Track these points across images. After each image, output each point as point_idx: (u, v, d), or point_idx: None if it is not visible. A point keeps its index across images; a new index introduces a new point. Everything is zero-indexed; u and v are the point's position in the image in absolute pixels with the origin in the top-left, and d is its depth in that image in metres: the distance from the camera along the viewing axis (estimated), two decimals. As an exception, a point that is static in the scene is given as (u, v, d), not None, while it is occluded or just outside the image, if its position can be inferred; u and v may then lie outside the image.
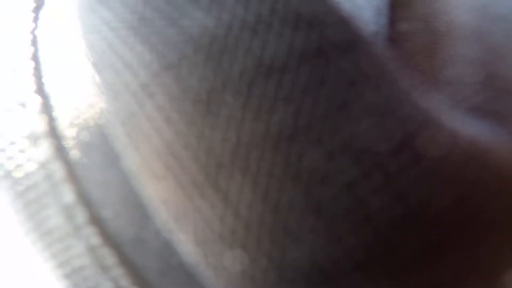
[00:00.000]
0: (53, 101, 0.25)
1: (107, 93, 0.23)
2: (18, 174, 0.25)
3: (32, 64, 0.25)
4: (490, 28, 0.26)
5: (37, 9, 0.26)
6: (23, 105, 0.25)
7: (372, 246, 0.21)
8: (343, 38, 0.22)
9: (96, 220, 0.24)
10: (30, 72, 0.25)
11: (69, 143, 0.24)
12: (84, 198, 0.24)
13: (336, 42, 0.22)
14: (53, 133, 0.25)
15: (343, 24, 0.23)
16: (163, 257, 0.24)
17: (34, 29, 0.25)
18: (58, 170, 0.24)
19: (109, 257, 0.24)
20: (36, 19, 0.26)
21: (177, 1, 0.23)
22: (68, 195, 0.24)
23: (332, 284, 0.22)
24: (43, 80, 0.25)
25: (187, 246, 0.23)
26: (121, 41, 0.23)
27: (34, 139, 0.25)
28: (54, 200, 0.24)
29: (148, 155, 0.22)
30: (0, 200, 0.25)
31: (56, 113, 0.25)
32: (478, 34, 0.25)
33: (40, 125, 0.25)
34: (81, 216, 0.24)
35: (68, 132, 0.25)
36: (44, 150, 0.25)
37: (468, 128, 0.23)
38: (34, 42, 0.25)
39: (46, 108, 0.25)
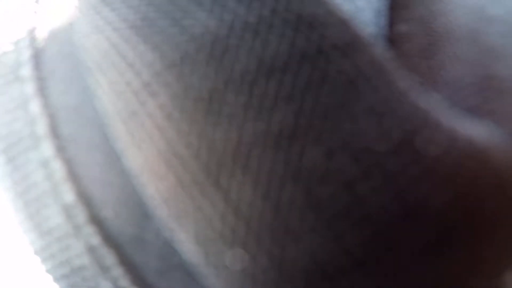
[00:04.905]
0: (53, 101, 0.25)
1: (109, 92, 0.23)
2: (19, 173, 0.25)
3: (32, 64, 0.25)
4: (487, 29, 0.26)
5: (38, 9, 0.26)
6: (24, 105, 0.25)
7: (372, 245, 0.22)
8: (343, 39, 0.23)
9: (96, 220, 0.24)
10: (30, 73, 0.25)
11: (69, 143, 0.25)
12: (84, 198, 0.24)
13: (336, 43, 0.22)
14: (54, 133, 0.25)
15: (343, 25, 0.23)
16: (163, 256, 0.24)
17: (34, 29, 0.26)
18: (58, 169, 0.24)
19: (108, 257, 0.24)
20: (36, 19, 0.26)
21: (180, 2, 0.23)
22: (68, 195, 0.24)
23: (331, 282, 0.22)
24: (43, 80, 0.25)
25: (187, 245, 0.23)
26: (124, 40, 0.23)
27: (34, 139, 0.25)
28: (54, 199, 0.24)
29: (149, 154, 0.22)
30: (0, 200, 0.25)
31: (56, 113, 0.25)
32: (475, 35, 0.26)
33: (40, 125, 0.25)
34: (81, 215, 0.24)
35: (69, 132, 0.25)
36: (44, 149, 0.25)
37: (466, 128, 0.23)
38: (34, 42, 0.25)
39: (46, 108, 0.25)
